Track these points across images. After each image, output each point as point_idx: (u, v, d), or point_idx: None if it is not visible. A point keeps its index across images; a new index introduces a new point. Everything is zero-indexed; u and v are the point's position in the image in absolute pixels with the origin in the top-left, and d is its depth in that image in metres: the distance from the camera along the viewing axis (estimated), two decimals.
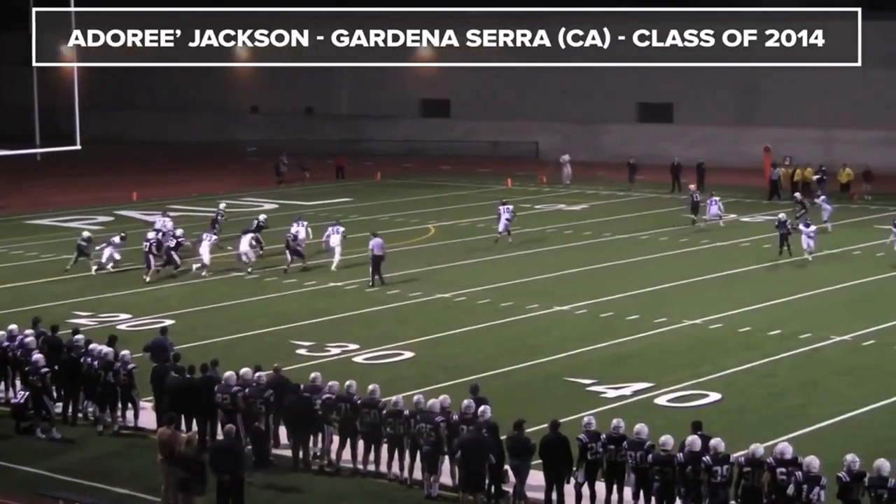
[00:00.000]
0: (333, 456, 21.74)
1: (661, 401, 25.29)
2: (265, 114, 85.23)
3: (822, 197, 49.89)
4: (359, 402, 21.37)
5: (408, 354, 29.29)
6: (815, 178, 55.49)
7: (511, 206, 44.91)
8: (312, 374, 22.43)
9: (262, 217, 43.55)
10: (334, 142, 76.10)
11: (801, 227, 40.39)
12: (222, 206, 46.57)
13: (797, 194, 51.18)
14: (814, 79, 67.76)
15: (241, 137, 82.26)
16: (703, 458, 18.07)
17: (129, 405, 23.83)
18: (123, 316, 33.62)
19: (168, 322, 31.12)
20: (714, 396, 25.60)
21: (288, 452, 21.95)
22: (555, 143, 72.60)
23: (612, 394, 25.73)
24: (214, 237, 40.94)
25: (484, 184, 62.32)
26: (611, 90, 73.82)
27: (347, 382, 21.78)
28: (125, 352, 24.35)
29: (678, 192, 58.03)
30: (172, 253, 39.61)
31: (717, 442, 18.25)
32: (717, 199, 49.46)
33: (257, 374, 22.26)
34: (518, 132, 75.20)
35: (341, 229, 40.77)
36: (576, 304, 34.50)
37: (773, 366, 28.25)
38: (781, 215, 42.10)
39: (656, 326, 32.01)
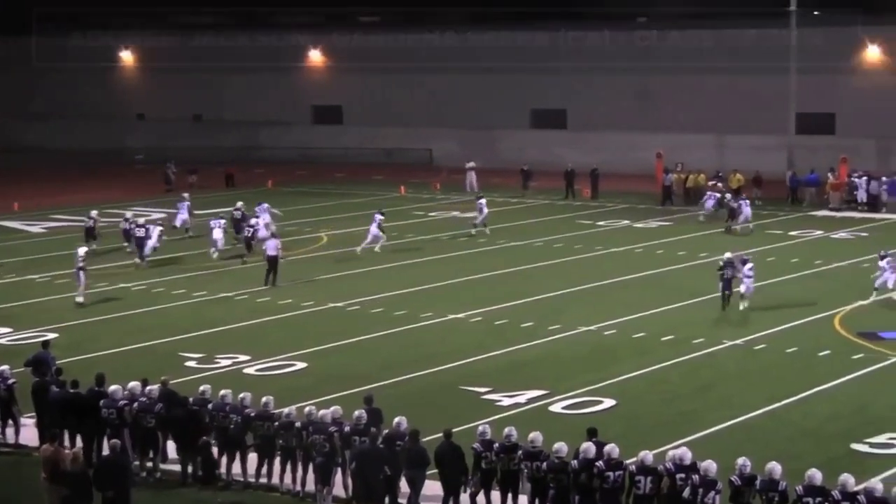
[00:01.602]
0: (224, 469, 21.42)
1: (556, 408, 25.35)
2: (152, 121, 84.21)
3: (744, 199, 50.86)
4: (252, 414, 21.14)
5: (300, 365, 29.05)
6: (710, 183, 56.00)
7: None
8: (201, 388, 22.19)
9: (239, 203, 46.58)
10: (225, 149, 75.44)
11: (739, 265, 34.89)
12: (129, 214, 46.53)
13: (727, 195, 51.80)
14: (705, 84, 69.01)
15: (129, 145, 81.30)
16: (597, 464, 18.07)
17: (10, 421, 23.37)
18: (3, 330, 32.88)
19: (51, 335, 30.48)
20: (609, 402, 25.72)
21: (176, 467, 21.60)
22: (449, 150, 72.79)
23: (507, 402, 25.70)
24: (223, 221, 44.36)
25: (378, 191, 62.06)
26: (505, 96, 74.10)
27: (241, 395, 21.53)
28: (5, 367, 23.87)
29: (572, 198, 58.34)
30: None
31: (611, 448, 18.32)
32: (747, 200, 50.28)
33: (147, 388, 22.02)
34: (412, 139, 75.07)
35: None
36: (471, 312, 34.47)
37: (667, 371, 28.46)
38: (728, 255, 34.73)
39: (551, 333, 32.10)
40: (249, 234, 43.27)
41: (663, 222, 52.06)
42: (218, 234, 43.65)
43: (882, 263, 35.79)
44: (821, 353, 29.89)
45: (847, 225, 50.85)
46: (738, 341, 30.99)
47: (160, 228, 43.20)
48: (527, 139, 72.59)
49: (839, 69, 64.45)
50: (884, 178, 55.36)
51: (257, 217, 45.44)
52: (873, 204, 54.52)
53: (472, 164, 62.77)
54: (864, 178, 55.21)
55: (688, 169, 58.77)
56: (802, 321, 33.05)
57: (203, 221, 47.53)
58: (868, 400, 26.11)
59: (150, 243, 42.19)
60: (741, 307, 34.12)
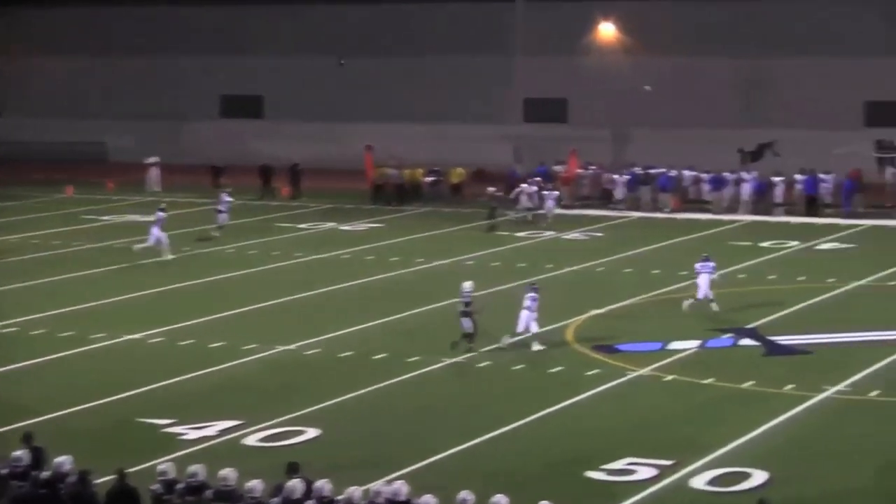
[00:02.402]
0: None
1: (252, 440, 25.13)
2: None
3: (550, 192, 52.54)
4: None
5: None
6: (427, 179, 57.09)
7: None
8: None
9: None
10: None
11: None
12: None
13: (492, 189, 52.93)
14: (421, 70, 69.69)
15: None
16: None
17: None
18: None
19: None
20: (312, 432, 25.63)
21: None
22: (125, 143, 71.74)
23: (193, 435, 25.35)
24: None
25: (38, 193, 60.63)
26: (191, 81, 73.32)
27: None
28: None
29: (269, 198, 58.31)
30: None
31: (322, 485, 18.10)
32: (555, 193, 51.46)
33: None
34: (81, 131, 73.56)
35: None
36: (150, 332, 33.96)
37: (380, 394, 28.56)
38: (467, 286, 32.42)
39: (245, 354, 31.85)
40: None
41: (374, 224, 52.35)
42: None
43: (698, 266, 36.49)
44: (552, 370, 30.33)
45: (581, 224, 52.14)
46: (458, 359, 31.25)
47: None
48: (216, 130, 71.93)
49: (571, 49, 66.08)
50: (623, 173, 56.99)
51: None
52: (607, 199, 56.27)
53: (154, 159, 62.25)
54: (595, 170, 57.38)
55: (401, 163, 59.10)
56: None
57: None
58: (605, 421, 26.65)
59: None
60: (504, 342, 32.39)
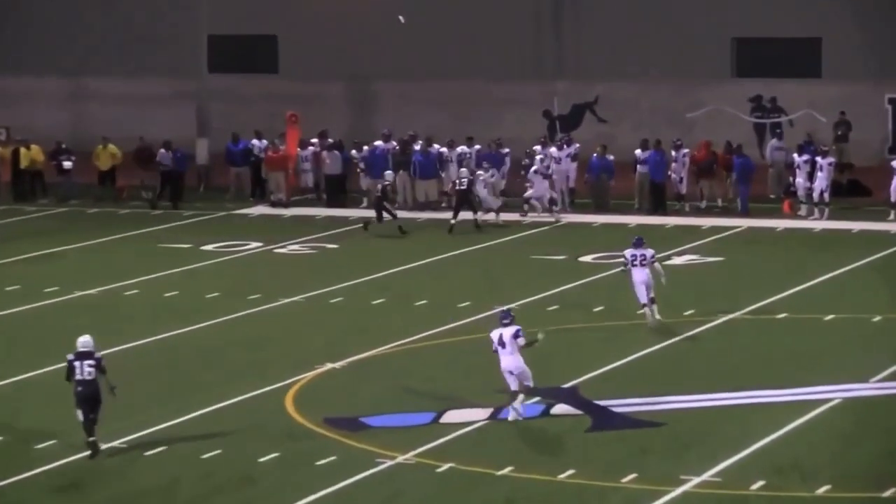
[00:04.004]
0: None
1: None
2: None
3: None
4: None
5: None
6: (55, 162, 56.63)
7: None
8: None
9: None
10: None
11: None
12: None
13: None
14: None
15: None
16: None
17: None
18: None
19: None
20: None
21: None
22: None
23: None
24: None
25: None
26: None
27: None
28: None
29: None
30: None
31: None
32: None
33: None
34: None
35: None
36: None
37: None
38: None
39: None
40: None
41: None
42: None
43: (629, 255, 37.44)
44: (262, 459, 28.85)
45: (303, 230, 51.71)
46: (116, 442, 29.42)
47: None
48: None
49: None
50: None
51: None
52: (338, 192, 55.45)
53: None
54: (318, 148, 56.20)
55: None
56: (232, 401, 31.98)
57: None
58: None
59: None
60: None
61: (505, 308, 34.03)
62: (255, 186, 56.12)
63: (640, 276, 37.24)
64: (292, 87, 63.43)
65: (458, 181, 50.58)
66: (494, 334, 31.45)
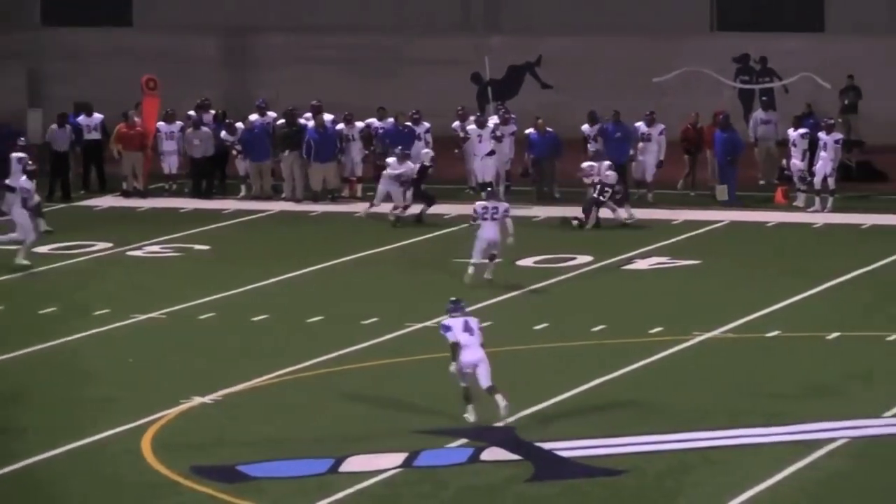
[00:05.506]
0: None
1: None
2: None
3: None
4: None
5: None
6: None
7: None
8: None
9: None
10: None
11: None
12: None
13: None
14: None
15: None
16: None
17: None
18: None
19: None
20: None
21: None
22: None
23: None
24: None
25: None
26: None
27: None
28: None
29: None
30: None
31: None
32: None
33: None
34: None
35: None
36: None
37: None
38: None
39: None
40: None
41: None
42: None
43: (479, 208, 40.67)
44: None
45: (164, 228, 52.12)
46: None
47: None
48: None
49: None
50: None
51: None
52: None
53: None
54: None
55: None
56: (70, 447, 31.80)
57: None
58: None
59: None
60: None
61: (455, 299, 34.30)
62: (87, 176, 55.96)
63: (489, 231, 40.22)
64: (150, 42, 63.70)
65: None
66: (454, 322, 32.11)
